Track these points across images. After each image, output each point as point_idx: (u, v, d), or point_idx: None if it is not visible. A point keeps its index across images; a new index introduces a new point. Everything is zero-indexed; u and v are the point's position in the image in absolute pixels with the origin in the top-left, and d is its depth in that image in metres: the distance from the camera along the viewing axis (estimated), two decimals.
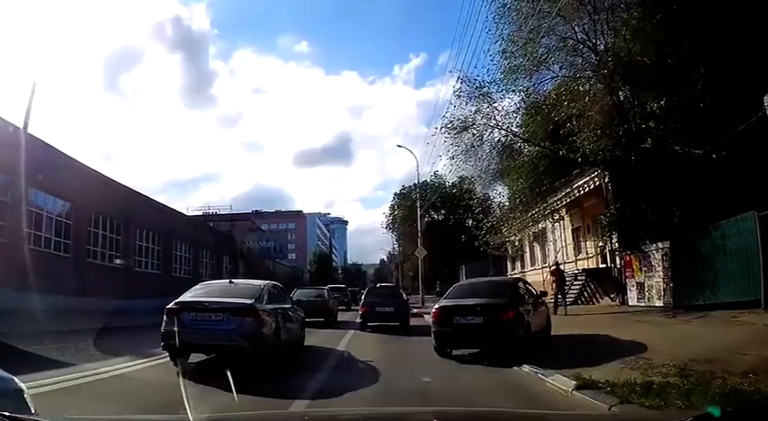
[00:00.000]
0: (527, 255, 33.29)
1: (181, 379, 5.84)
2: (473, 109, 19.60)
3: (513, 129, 20.35)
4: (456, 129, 20.03)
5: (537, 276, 25.87)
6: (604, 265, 21.23)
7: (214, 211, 59.99)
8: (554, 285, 18.80)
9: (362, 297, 18.95)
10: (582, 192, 21.58)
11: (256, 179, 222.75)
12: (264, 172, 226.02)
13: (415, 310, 23.69)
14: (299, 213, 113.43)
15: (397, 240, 65.73)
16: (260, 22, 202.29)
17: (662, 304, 15.48)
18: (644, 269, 16.89)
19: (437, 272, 57.36)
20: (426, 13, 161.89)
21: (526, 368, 7.93)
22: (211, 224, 47.80)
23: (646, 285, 16.77)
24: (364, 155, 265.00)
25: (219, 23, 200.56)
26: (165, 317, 8.44)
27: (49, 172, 18.76)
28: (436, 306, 10.34)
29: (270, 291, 9.73)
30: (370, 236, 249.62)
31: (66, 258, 20.96)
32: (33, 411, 2.47)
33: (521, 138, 20.38)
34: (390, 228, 63.65)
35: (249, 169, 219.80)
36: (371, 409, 4.98)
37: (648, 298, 16.54)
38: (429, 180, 58.36)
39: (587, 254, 23.59)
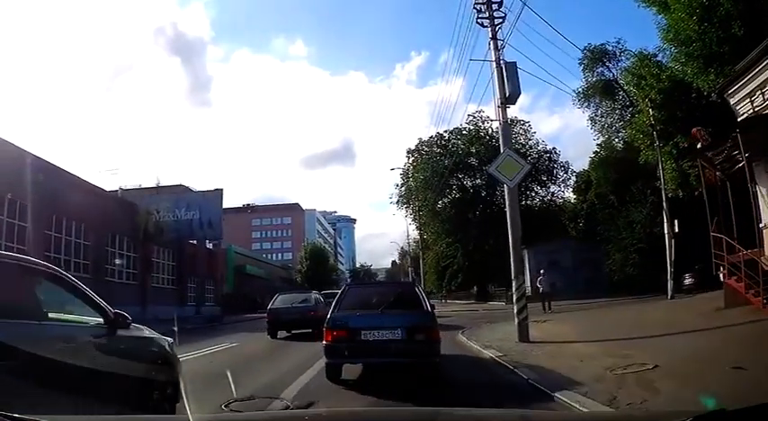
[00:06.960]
0: None
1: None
2: None
3: None
4: None
5: None
6: None
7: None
8: None
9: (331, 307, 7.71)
10: None
11: (259, 185, 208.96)
12: (268, 177, 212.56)
13: (465, 338, 12.54)
14: (295, 206, 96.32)
15: (413, 220, 47.31)
16: (255, 22, 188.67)
17: None
18: None
19: (476, 263, 39.76)
20: (426, 8, 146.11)
21: None
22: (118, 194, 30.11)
23: None
24: (370, 158, 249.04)
25: (217, 26, 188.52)
26: None
27: None
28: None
29: None
30: (380, 239, 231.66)
31: None
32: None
33: None
34: (405, 203, 45.39)
35: (252, 175, 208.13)
36: (372, 409, 4.60)
37: None
38: (462, 125, 40.69)
39: None
